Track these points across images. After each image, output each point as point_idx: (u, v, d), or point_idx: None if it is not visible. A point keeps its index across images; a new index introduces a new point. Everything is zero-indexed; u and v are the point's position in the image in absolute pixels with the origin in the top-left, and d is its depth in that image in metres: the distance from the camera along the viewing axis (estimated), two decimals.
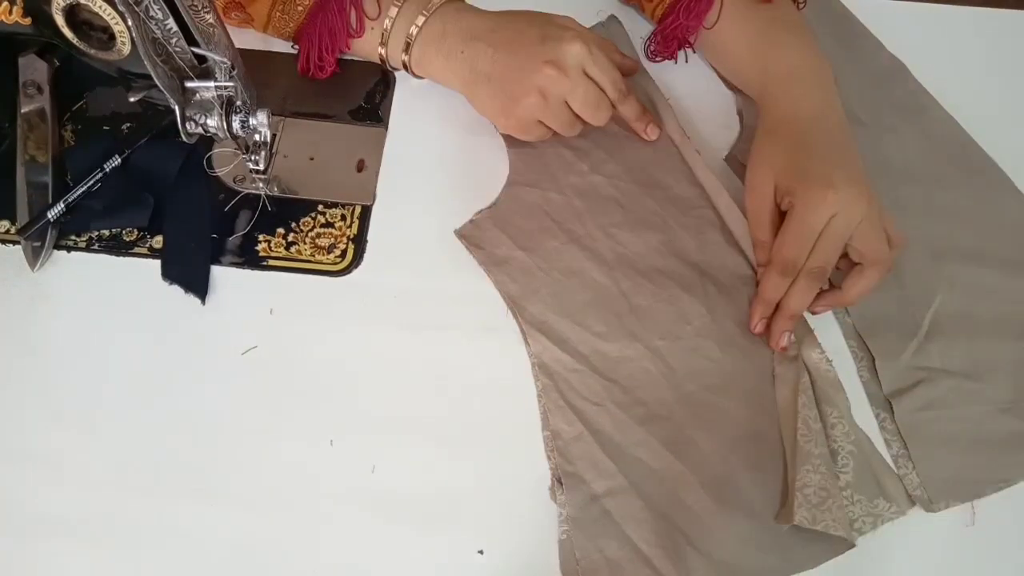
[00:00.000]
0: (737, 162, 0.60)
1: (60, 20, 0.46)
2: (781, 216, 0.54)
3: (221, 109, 0.49)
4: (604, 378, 0.52)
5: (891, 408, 0.52)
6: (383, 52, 0.60)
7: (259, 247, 0.56)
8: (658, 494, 0.49)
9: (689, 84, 0.65)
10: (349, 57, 0.64)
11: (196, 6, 0.46)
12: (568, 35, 0.55)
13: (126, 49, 0.46)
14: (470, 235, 0.57)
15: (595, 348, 0.53)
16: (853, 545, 0.48)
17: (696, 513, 0.48)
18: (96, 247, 0.56)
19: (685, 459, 0.50)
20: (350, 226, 0.57)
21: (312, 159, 0.60)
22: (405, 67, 0.61)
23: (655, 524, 0.48)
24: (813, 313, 0.54)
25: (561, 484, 0.49)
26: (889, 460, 0.51)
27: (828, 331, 0.55)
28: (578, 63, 0.55)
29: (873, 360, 0.54)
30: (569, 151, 0.60)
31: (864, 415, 0.52)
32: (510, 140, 0.61)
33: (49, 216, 0.54)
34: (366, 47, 0.61)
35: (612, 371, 0.52)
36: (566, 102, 0.56)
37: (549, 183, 0.59)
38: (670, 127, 0.61)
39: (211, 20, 0.47)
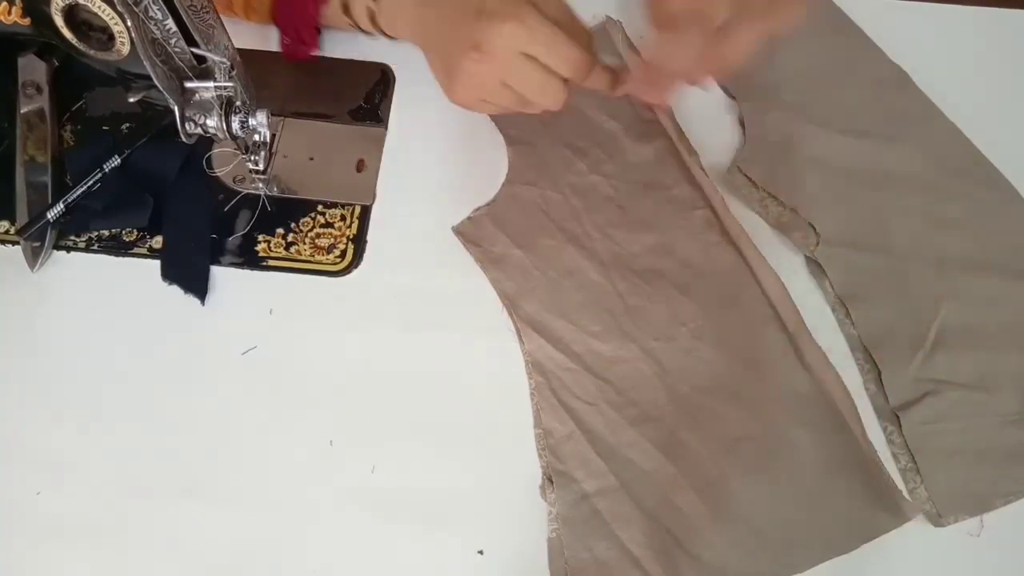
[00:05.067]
0: (741, 173, 0.60)
1: (59, 20, 0.46)
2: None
3: (220, 109, 0.49)
4: (598, 377, 0.52)
5: (898, 421, 0.52)
6: (350, 14, 0.60)
7: (259, 247, 0.56)
8: (649, 495, 0.49)
9: (690, 90, 0.64)
10: (348, 57, 0.64)
11: (196, 6, 0.46)
12: (506, 11, 0.48)
13: (125, 49, 0.46)
14: (467, 232, 0.57)
15: (589, 347, 0.53)
16: (848, 551, 0.48)
17: (686, 515, 0.48)
18: (96, 247, 0.56)
19: (677, 461, 0.50)
20: (350, 226, 0.57)
21: (312, 159, 0.60)
22: (374, 23, 0.60)
23: (645, 525, 0.48)
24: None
25: (551, 482, 0.49)
26: (896, 474, 0.50)
27: (833, 344, 0.54)
28: (509, 45, 0.48)
29: (879, 373, 0.53)
30: (568, 150, 0.60)
31: (871, 428, 0.52)
32: (509, 138, 0.61)
33: (49, 216, 0.54)
34: (333, 11, 0.60)
35: (606, 371, 0.52)
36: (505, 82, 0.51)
37: (547, 182, 0.59)
38: (668, 127, 0.61)
39: (211, 20, 0.47)
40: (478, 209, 0.58)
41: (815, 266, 0.57)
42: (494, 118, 0.62)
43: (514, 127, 0.61)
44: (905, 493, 0.50)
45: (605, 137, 0.61)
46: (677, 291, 0.55)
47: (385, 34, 0.61)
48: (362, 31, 0.62)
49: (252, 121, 0.51)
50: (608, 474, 0.49)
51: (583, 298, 0.55)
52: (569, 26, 0.51)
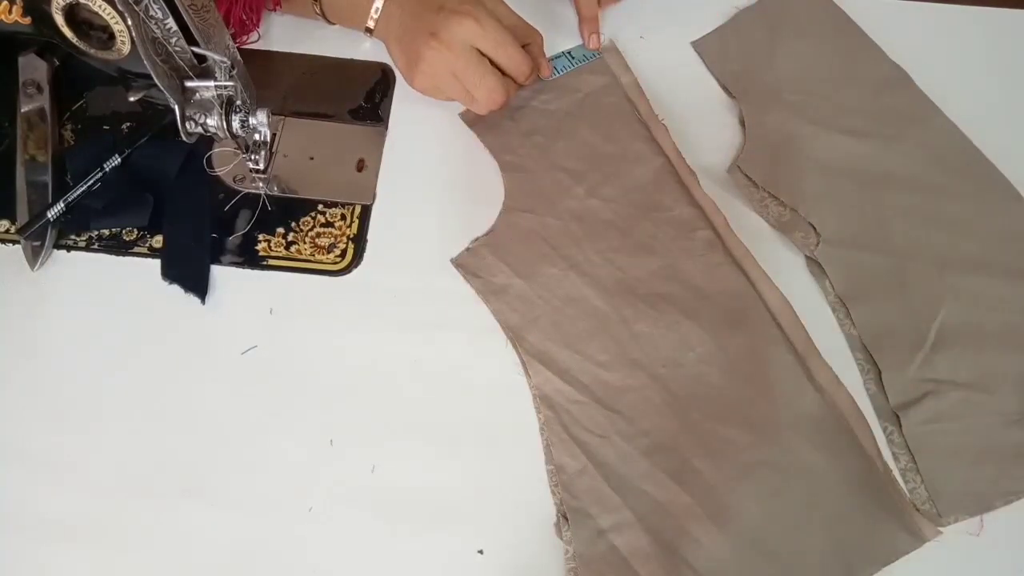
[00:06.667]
0: (741, 173, 0.60)
1: (60, 19, 0.46)
2: None
3: (221, 108, 0.49)
4: (607, 409, 0.51)
5: (898, 421, 0.52)
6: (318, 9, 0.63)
7: (259, 247, 0.56)
8: (666, 528, 0.48)
9: (690, 90, 0.64)
10: (348, 56, 0.64)
11: (196, 5, 0.46)
12: (464, 9, 0.56)
13: (126, 48, 0.46)
14: (467, 264, 0.56)
15: (597, 377, 0.52)
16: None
17: (705, 546, 0.47)
18: (96, 247, 0.56)
19: (691, 490, 0.49)
20: (350, 225, 0.57)
21: (312, 159, 0.60)
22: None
23: (663, 559, 0.47)
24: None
25: (567, 520, 0.48)
26: (897, 475, 0.50)
27: (834, 344, 0.54)
28: (463, 37, 0.56)
29: (879, 373, 0.53)
30: (565, 174, 0.60)
31: (871, 428, 0.51)
32: (504, 165, 0.60)
33: (49, 216, 0.54)
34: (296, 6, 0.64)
35: (615, 401, 0.51)
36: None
37: (545, 208, 0.58)
38: (666, 147, 0.60)
39: (211, 19, 0.47)
40: (476, 239, 0.57)
41: (815, 266, 0.57)
42: (489, 145, 0.61)
43: (509, 153, 0.60)
44: (906, 492, 0.49)
45: (602, 159, 0.60)
46: (683, 315, 0.54)
47: (327, 20, 0.64)
48: (329, 21, 0.64)
49: (252, 120, 0.51)
50: (623, 508, 0.48)
51: (588, 327, 0.54)
52: (521, 29, 0.61)
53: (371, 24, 0.61)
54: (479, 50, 0.57)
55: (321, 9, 0.63)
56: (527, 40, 0.60)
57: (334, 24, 0.64)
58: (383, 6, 0.60)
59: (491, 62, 0.58)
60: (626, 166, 0.60)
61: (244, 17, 0.62)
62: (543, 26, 0.63)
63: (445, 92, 0.60)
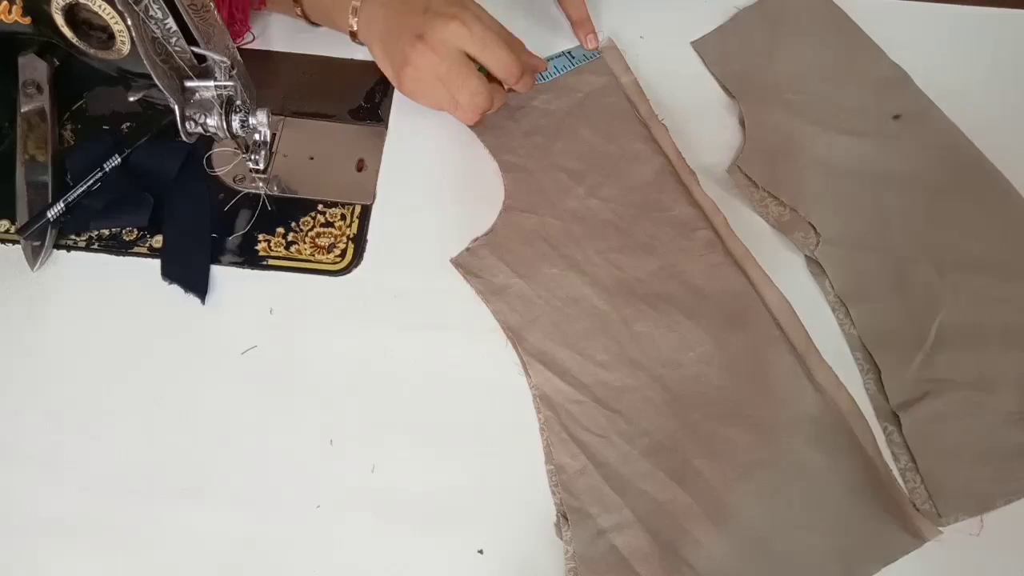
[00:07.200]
0: (741, 173, 0.60)
1: (59, 19, 0.46)
2: None
3: (221, 108, 0.49)
4: (607, 409, 0.51)
5: (898, 421, 0.51)
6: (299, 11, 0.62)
7: (259, 246, 0.56)
8: (665, 528, 0.48)
9: (690, 90, 0.64)
10: (348, 56, 0.64)
11: (196, 5, 0.46)
12: (450, 12, 0.55)
13: (125, 48, 0.46)
14: (467, 264, 0.56)
15: (597, 378, 0.52)
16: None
17: (705, 546, 0.47)
18: (96, 247, 0.56)
19: (691, 490, 0.49)
20: (350, 225, 0.57)
21: (312, 159, 0.60)
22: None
23: (664, 559, 0.47)
24: None
25: (566, 520, 0.48)
26: (897, 475, 0.50)
27: (834, 344, 0.54)
28: (449, 39, 0.55)
29: (879, 372, 0.53)
30: (565, 174, 0.60)
31: (871, 428, 0.51)
32: (504, 165, 0.60)
33: (49, 216, 0.54)
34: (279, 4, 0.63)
35: (615, 401, 0.51)
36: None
37: (546, 208, 0.58)
38: (666, 147, 0.61)
39: (211, 19, 0.47)
40: (476, 239, 0.57)
41: (815, 266, 0.57)
42: (489, 145, 0.61)
43: (509, 153, 0.60)
44: (906, 492, 0.49)
45: (602, 159, 0.60)
46: (683, 315, 0.54)
47: (309, 21, 0.63)
48: (311, 23, 0.64)
49: (252, 120, 0.51)
50: (623, 508, 0.48)
51: (588, 326, 0.54)
52: (504, 36, 0.58)
53: (354, 26, 0.60)
54: (466, 53, 0.56)
55: (302, 10, 0.62)
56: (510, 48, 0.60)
57: (319, 26, 0.64)
58: (361, 6, 0.59)
59: (479, 68, 0.57)
60: (626, 166, 0.60)
61: (234, 15, 0.62)
62: (542, 27, 0.63)
63: (429, 97, 0.59)
